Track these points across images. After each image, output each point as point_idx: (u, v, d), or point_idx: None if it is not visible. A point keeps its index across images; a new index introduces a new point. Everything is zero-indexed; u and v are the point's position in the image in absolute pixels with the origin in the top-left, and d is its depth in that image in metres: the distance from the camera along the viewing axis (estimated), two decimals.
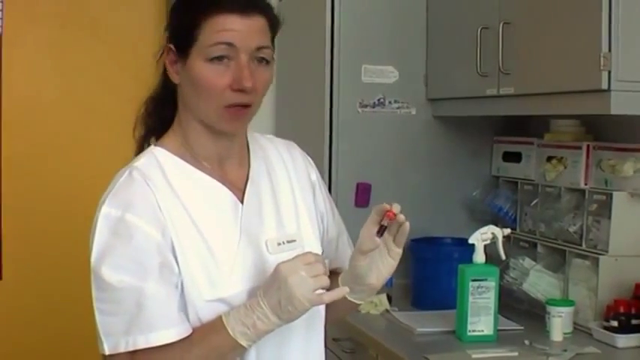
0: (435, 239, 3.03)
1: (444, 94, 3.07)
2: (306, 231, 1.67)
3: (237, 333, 1.47)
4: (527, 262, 2.76)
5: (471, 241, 2.44)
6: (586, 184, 2.65)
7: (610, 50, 2.12)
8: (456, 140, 3.19)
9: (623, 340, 2.35)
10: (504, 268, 2.71)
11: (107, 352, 1.50)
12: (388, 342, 2.49)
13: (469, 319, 2.42)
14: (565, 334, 2.47)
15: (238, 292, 1.53)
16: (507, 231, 2.47)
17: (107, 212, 1.52)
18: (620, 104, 2.15)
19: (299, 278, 1.45)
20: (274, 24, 1.59)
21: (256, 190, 1.65)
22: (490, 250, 2.46)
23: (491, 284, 2.43)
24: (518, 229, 2.96)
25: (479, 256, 2.44)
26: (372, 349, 2.58)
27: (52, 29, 3.73)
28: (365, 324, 2.67)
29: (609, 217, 2.51)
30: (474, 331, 2.43)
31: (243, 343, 1.48)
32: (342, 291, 1.54)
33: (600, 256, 2.51)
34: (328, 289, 1.56)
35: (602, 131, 2.74)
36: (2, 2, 3.66)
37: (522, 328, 2.57)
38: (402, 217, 1.55)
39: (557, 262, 2.73)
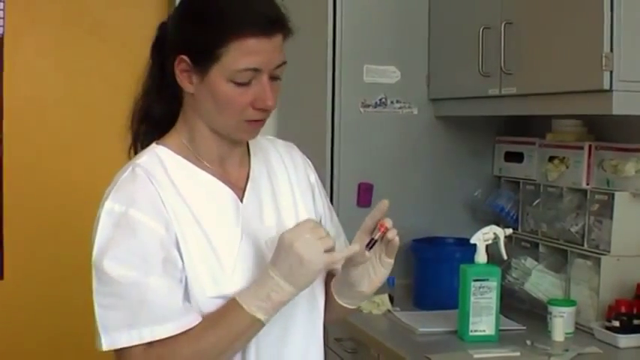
0: (436, 239, 3.03)
1: (445, 94, 3.08)
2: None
3: (253, 307, 1.47)
4: (529, 262, 2.76)
5: (472, 241, 2.44)
6: (588, 184, 2.66)
7: (612, 50, 2.13)
8: (458, 140, 3.19)
9: (625, 340, 2.35)
10: (506, 268, 2.71)
11: (104, 348, 1.49)
12: (390, 342, 2.50)
13: (471, 319, 2.42)
14: (567, 334, 2.47)
15: (240, 289, 1.52)
16: (509, 231, 2.48)
17: (110, 208, 1.52)
18: (622, 104, 2.15)
19: (305, 241, 1.46)
20: (288, 35, 1.58)
21: (256, 189, 1.66)
22: (492, 250, 2.46)
23: (493, 284, 2.43)
24: (520, 229, 2.97)
25: (481, 256, 2.44)
26: (374, 349, 2.59)
27: (54, 29, 3.74)
28: (367, 324, 2.68)
29: (611, 217, 2.51)
30: (475, 331, 2.43)
31: (261, 317, 1.48)
32: (353, 248, 1.53)
33: (602, 257, 2.52)
34: (327, 285, 1.56)
35: (604, 131, 2.74)
36: (4, 2, 3.66)
37: (524, 328, 2.57)
38: (391, 234, 1.54)
39: (559, 262, 2.73)
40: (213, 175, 1.62)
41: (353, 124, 3.09)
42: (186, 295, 1.53)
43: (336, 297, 1.66)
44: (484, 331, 2.43)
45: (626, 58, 2.13)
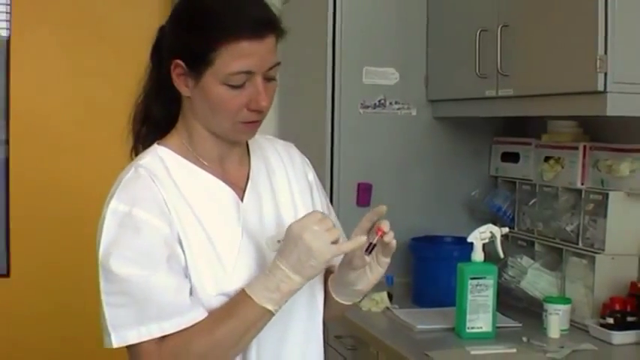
0: (434, 238, 3.03)
1: (443, 95, 3.08)
2: None
3: (262, 299, 1.48)
4: (525, 260, 2.77)
5: (469, 240, 2.45)
6: (583, 184, 2.66)
7: (606, 52, 2.13)
8: (456, 141, 3.19)
9: (619, 337, 2.35)
10: (503, 266, 2.71)
11: (115, 345, 1.50)
12: (389, 339, 2.50)
13: (468, 317, 2.43)
14: (562, 331, 2.47)
15: (240, 287, 1.53)
16: (506, 230, 2.48)
17: (115, 207, 1.53)
18: (616, 106, 2.15)
19: (313, 233, 1.46)
20: (281, 36, 1.58)
21: (256, 188, 1.67)
22: (489, 248, 2.47)
23: (490, 282, 2.43)
24: (516, 228, 2.97)
25: (478, 255, 2.44)
26: (373, 346, 2.59)
27: (59, 31, 3.74)
28: (366, 321, 2.68)
29: (605, 217, 2.51)
30: (472, 328, 2.43)
31: (270, 307, 1.49)
32: (358, 240, 1.52)
33: (597, 255, 2.52)
34: (325, 284, 1.57)
35: (598, 132, 2.74)
36: (10, 5, 3.67)
37: (520, 325, 2.57)
38: (388, 237, 1.54)
39: (555, 260, 2.73)
40: (214, 174, 1.63)
41: (352, 124, 3.09)
42: (191, 291, 1.53)
43: (333, 295, 1.67)
44: (481, 328, 2.43)
45: (620, 60, 2.13)
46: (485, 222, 2.54)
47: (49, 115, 3.75)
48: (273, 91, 1.58)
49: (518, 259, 2.77)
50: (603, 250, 2.52)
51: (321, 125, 3.11)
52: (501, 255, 2.47)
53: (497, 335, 2.44)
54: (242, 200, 1.64)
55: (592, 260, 2.53)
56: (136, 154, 1.66)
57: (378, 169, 3.11)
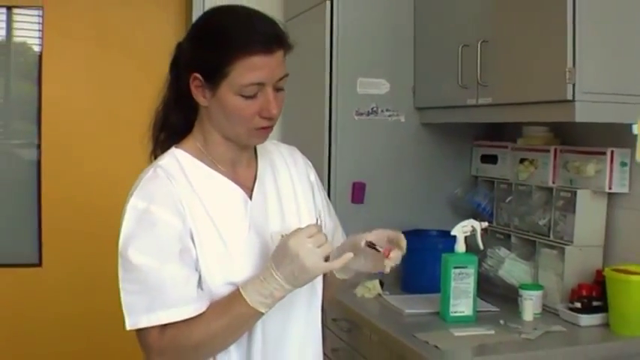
0: (422, 231, 3.03)
1: (429, 103, 3.07)
2: (306, 224, 1.67)
3: (255, 303, 1.48)
4: (502, 251, 2.76)
5: (453, 233, 2.44)
6: (554, 183, 2.66)
7: (574, 65, 2.13)
8: (441, 144, 3.19)
9: (586, 320, 2.35)
10: (482, 256, 2.71)
11: (129, 328, 1.50)
12: (380, 322, 2.50)
13: (451, 302, 2.42)
14: (535, 314, 2.47)
15: (247, 277, 1.53)
16: (485, 224, 2.47)
17: (134, 204, 1.53)
18: (584, 113, 2.15)
19: (307, 250, 1.46)
20: (288, 50, 1.58)
21: (263, 188, 1.66)
22: (470, 241, 2.46)
23: (471, 271, 2.43)
24: (494, 223, 2.97)
25: (460, 247, 2.43)
26: (366, 328, 2.59)
27: (86, 46, 3.74)
28: (360, 306, 2.68)
29: (574, 212, 2.51)
30: (455, 312, 2.43)
31: (262, 310, 1.49)
32: (346, 257, 1.52)
33: (566, 247, 2.52)
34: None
35: (568, 136, 2.74)
36: (42, 24, 3.67)
37: (498, 309, 2.57)
38: (389, 262, 1.59)
39: (529, 251, 2.73)
40: (225, 175, 1.62)
41: (348, 130, 3.08)
42: (199, 283, 1.53)
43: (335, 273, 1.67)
44: (463, 312, 2.43)
45: (586, 72, 2.13)
46: (466, 217, 2.54)
47: (77, 122, 3.74)
48: (282, 100, 1.58)
49: (497, 250, 2.77)
50: (572, 242, 2.52)
51: (320, 130, 3.10)
52: (481, 247, 2.47)
53: (478, 318, 2.44)
54: (250, 199, 1.63)
55: (562, 251, 2.53)
56: (155, 158, 1.65)
57: (371, 170, 3.11)
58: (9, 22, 3.68)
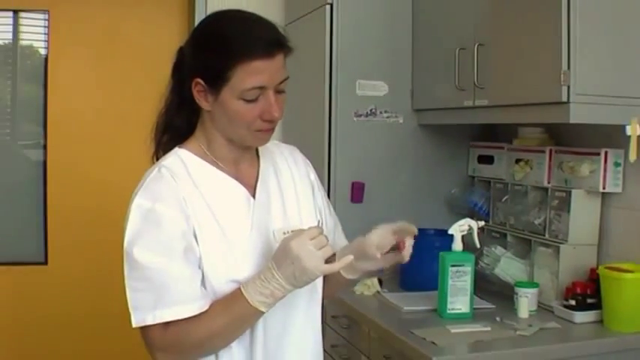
0: (419, 230, 2.98)
1: (427, 105, 3.08)
2: (308, 222, 1.67)
3: (256, 302, 1.47)
4: (498, 250, 2.77)
5: (450, 232, 2.43)
6: (549, 183, 2.66)
7: (569, 68, 2.13)
8: (438, 145, 3.19)
9: (580, 317, 2.36)
10: (479, 255, 2.71)
11: (135, 325, 1.50)
12: (379, 319, 2.50)
13: (449, 299, 2.43)
14: (531, 311, 2.47)
15: (249, 274, 1.53)
16: (481, 223, 2.46)
17: (139, 203, 1.52)
18: (578, 114, 2.15)
19: (309, 253, 1.45)
20: (288, 53, 1.57)
21: (265, 187, 1.66)
22: (467, 239, 2.46)
23: (468, 269, 2.44)
24: (490, 222, 2.97)
25: (457, 245, 2.43)
26: (365, 325, 2.59)
27: (91, 50, 3.74)
28: (359, 303, 2.68)
29: (569, 212, 2.52)
30: (452, 309, 2.43)
31: (263, 309, 1.49)
32: (347, 259, 1.53)
33: (561, 245, 2.52)
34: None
35: (562, 137, 2.75)
36: (48, 27, 3.67)
37: (494, 306, 2.57)
38: (406, 252, 1.66)
39: (524, 250, 2.73)
40: (228, 174, 1.62)
41: (347, 131, 3.08)
42: (203, 281, 1.53)
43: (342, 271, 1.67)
44: (460, 309, 2.43)
45: (581, 75, 2.13)
46: (463, 216, 2.53)
47: (82, 124, 3.74)
48: (283, 103, 1.58)
49: (493, 249, 2.77)
50: (566, 240, 2.52)
51: (320, 131, 3.11)
52: (478, 245, 2.46)
53: (474, 315, 2.44)
54: (253, 197, 1.63)
55: (557, 250, 2.53)
56: (157, 159, 1.65)
57: (370, 170, 3.11)
58: (15, 25, 3.68)
